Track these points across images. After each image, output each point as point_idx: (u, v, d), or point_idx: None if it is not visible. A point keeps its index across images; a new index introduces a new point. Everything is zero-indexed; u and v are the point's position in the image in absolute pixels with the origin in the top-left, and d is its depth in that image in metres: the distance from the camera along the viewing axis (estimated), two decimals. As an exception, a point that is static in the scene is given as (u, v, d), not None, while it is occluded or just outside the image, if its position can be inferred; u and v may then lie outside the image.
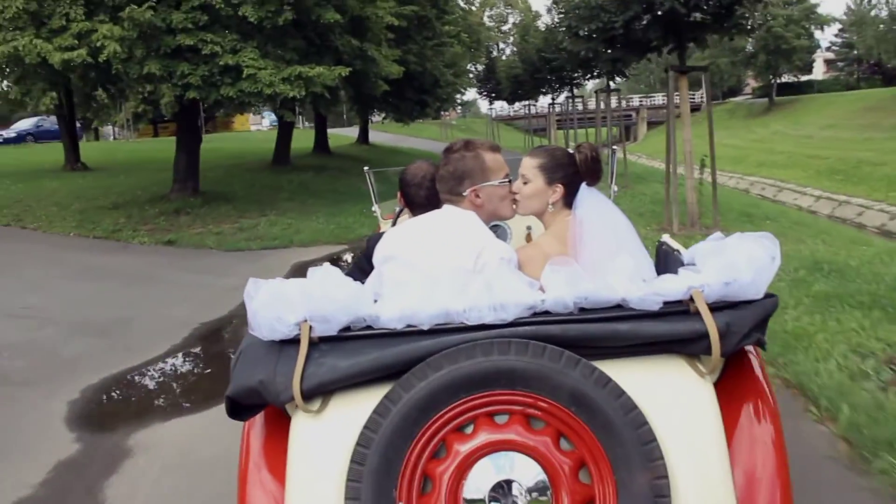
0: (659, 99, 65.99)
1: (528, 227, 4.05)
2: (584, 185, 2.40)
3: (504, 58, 49.93)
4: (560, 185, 2.41)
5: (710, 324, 1.74)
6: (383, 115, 31.23)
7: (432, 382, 1.72)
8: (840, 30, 65.35)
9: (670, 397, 1.79)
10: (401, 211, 3.51)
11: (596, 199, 2.38)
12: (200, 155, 15.53)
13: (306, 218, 13.97)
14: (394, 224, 3.56)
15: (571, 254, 2.23)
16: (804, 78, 60.94)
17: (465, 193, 2.37)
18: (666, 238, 2.95)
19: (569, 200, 2.41)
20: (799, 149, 33.81)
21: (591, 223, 2.30)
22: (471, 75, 40.34)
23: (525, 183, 2.46)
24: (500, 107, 64.39)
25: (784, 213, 15.43)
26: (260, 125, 73.04)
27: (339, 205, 15.49)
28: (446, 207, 2.40)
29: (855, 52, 62.81)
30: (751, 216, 13.08)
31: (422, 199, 2.84)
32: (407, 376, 1.73)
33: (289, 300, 1.79)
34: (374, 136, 40.15)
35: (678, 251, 2.54)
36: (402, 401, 1.72)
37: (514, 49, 44.03)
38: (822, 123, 39.59)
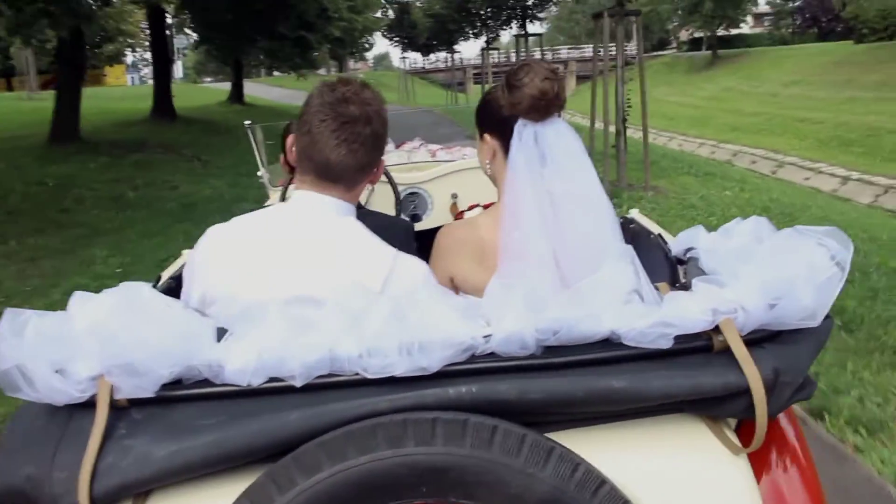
0: (589, 51, 59.08)
1: (454, 195, 3.21)
2: (518, 125, 1.56)
3: (419, 3, 41.43)
4: (487, 135, 1.68)
5: (752, 372, 1.11)
6: (253, 61, 21.81)
7: (303, 493, 1.04)
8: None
9: (688, 488, 1.16)
10: (290, 179, 2.52)
11: (530, 150, 1.53)
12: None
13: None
14: (282, 198, 2.59)
15: (501, 247, 1.50)
16: (734, 31, 55.71)
17: (375, 170, 1.59)
18: (635, 214, 2.14)
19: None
20: (770, 108, 28.95)
21: (522, 195, 1.51)
22: (378, 14, 31.30)
23: None
24: (414, 59, 55.87)
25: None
26: (128, 77, 62.59)
27: (85, 247, 6.85)
28: (324, 202, 1.51)
29: (791, 3, 57.35)
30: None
31: None
32: (260, 481, 1.05)
33: (75, 341, 1.12)
34: (265, 92, 31.29)
35: (659, 236, 1.80)
36: None
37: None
38: (783, 80, 35.11)
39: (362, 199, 2.75)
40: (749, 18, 64.63)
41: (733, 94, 35.14)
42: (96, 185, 10.42)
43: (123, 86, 46.76)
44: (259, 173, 3.35)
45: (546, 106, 1.56)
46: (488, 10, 23.75)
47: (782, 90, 33.07)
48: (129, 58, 55.72)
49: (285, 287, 1.36)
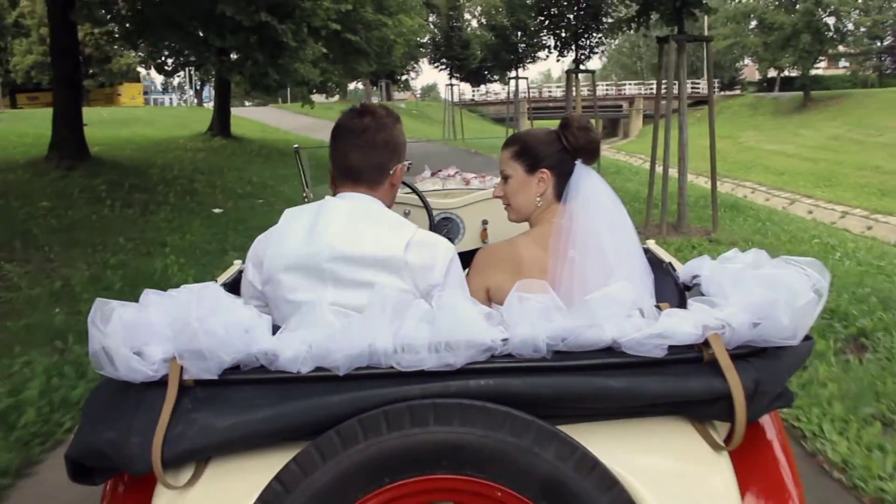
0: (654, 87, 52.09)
1: (485, 221, 3.51)
2: (578, 165, 1.93)
3: (470, 29, 34.71)
4: (545, 171, 1.93)
5: (734, 380, 1.32)
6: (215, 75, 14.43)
7: (343, 460, 1.26)
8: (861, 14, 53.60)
9: (673, 481, 1.37)
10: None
11: (593, 186, 1.91)
12: None
13: None
14: None
15: (552, 263, 1.82)
16: (811, 72, 48.75)
17: (392, 171, 1.90)
18: (651, 245, 2.33)
19: (561, 191, 1.95)
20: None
21: (582, 222, 1.84)
22: (416, 37, 24.15)
23: (506, 180, 2.00)
24: (462, 91, 49.49)
25: None
26: (166, 98, 56.17)
27: None
28: (353, 196, 1.85)
29: (879, 43, 51.76)
30: None
31: None
32: (307, 449, 1.28)
33: (152, 329, 1.40)
34: (285, 120, 24.65)
35: (670, 265, 2.03)
36: (299, 486, 1.25)
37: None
38: (905, 128, 31.81)
39: None
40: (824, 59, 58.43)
41: (846, 144, 30.60)
42: None
43: (138, 107, 39.83)
44: (305, 193, 3.52)
45: (596, 151, 1.92)
46: (579, 8, 15.54)
47: (911, 141, 29.87)
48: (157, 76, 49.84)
49: (331, 242, 1.69)
